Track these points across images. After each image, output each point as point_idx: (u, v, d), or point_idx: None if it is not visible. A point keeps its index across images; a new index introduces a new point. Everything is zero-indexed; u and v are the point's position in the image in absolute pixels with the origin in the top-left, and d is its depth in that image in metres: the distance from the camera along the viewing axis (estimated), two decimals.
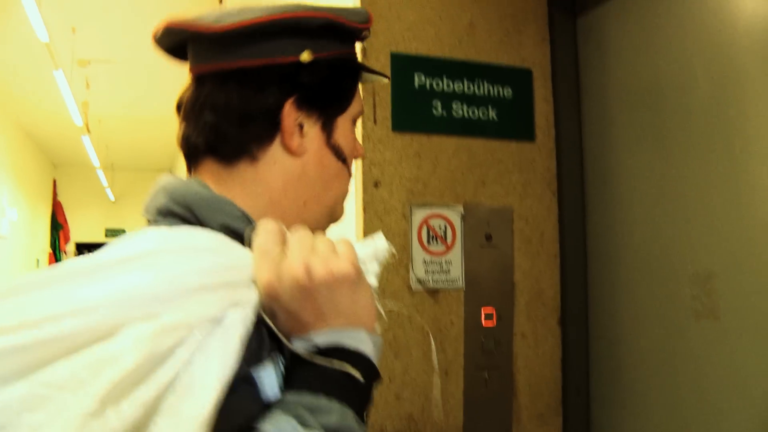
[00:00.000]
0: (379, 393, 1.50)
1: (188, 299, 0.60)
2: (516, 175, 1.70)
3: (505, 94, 1.72)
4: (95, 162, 10.16)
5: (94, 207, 13.52)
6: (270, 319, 0.66)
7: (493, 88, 1.71)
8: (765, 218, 1.30)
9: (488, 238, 1.65)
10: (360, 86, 0.90)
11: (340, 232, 1.70)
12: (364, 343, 0.68)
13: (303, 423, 0.60)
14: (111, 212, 13.32)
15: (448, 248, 1.61)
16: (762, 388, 1.30)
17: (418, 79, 1.63)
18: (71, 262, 0.61)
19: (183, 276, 0.61)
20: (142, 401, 0.53)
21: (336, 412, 0.61)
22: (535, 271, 1.70)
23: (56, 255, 12.48)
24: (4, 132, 9.67)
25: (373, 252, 0.72)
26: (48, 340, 0.54)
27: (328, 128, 0.83)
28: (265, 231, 0.67)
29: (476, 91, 1.69)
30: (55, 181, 13.27)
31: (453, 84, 1.67)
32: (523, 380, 1.65)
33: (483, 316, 1.62)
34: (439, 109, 1.64)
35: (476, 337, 1.60)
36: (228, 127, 0.79)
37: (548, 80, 1.78)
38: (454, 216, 1.62)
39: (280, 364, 0.67)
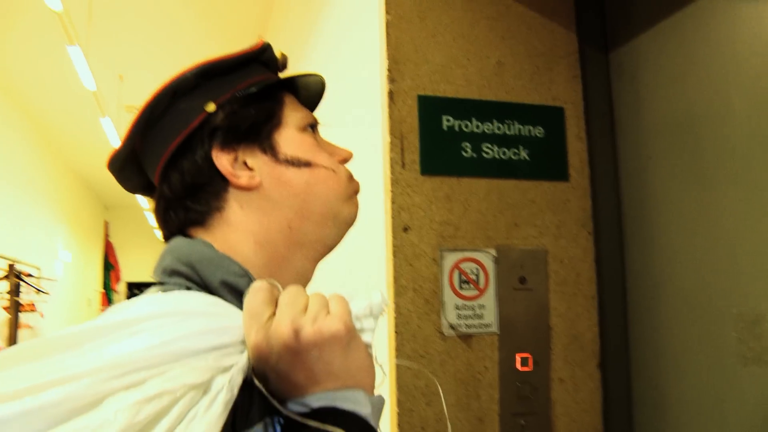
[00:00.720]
0: None
1: (175, 366, 0.60)
2: (549, 216, 1.67)
3: (537, 133, 1.70)
4: (144, 204, 10.39)
5: (144, 247, 13.82)
6: (262, 381, 0.65)
7: (524, 128, 1.69)
8: None
9: (522, 280, 1.61)
10: (290, 99, 0.91)
11: (371, 279, 1.69)
12: (360, 404, 0.66)
13: None
14: (159, 252, 13.57)
15: (481, 292, 1.58)
16: None
17: (447, 122, 1.62)
18: (62, 331, 0.61)
19: (171, 342, 0.61)
20: None
21: None
22: (572, 314, 1.65)
23: (108, 295, 12.76)
24: (59, 177, 9.99)
25: (368, 308, 0.70)
26: (29, 411, 0.54)
27: (268, 148, 0.84)
28: (254, 291, 0.67)
29: (507, 131, 1.67)
30: (106, 223, 13.63)
31: (482, 125, 1.65)
32: (562, 427, 1.59)
33: (518, 361, 1.57)
34: (469, 150, 1.63)
35: (512, 383, 1.56)
36: (186, 204, 0.82)
37: (581, 118, 1.75)
38: (487, 259, 1.59)
39: (277, 427, 0.66)
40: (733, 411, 1.40)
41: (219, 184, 0.82)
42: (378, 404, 0.70)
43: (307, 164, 0.85)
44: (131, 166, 0.89)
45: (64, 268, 10.00)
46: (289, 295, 0.67)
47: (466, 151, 1.62)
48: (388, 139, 1.57)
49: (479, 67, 1.68)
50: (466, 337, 1.55)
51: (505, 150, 1.66)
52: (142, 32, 5.68)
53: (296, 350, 0.64)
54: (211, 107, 0.82)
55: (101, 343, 0.61)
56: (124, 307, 0.67)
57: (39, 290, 5.71)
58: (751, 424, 1.36)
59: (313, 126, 0.91)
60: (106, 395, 0.57)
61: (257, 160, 0.84)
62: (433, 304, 1.54)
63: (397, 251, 1.53)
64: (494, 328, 1.57)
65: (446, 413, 1.35)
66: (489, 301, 1.58)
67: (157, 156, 0.84)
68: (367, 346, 0.70)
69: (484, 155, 1.64)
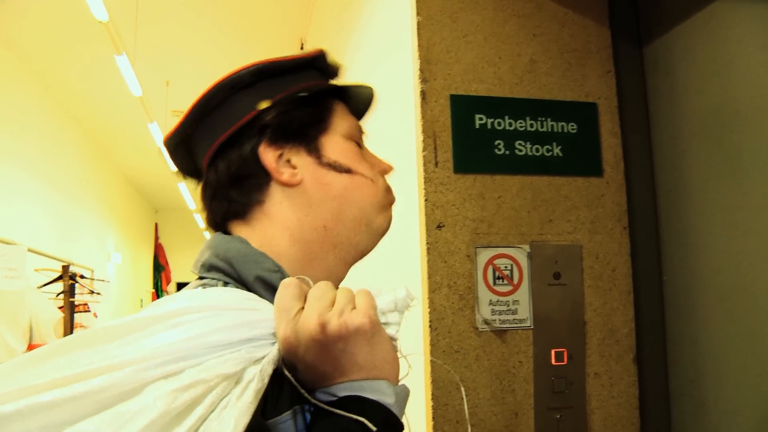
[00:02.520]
0: None
1: (210, 357, 0.64)
2: (584, 212, 1.68)
3: (570, 129, 1.70)
4: (191, 205, 10.58)
5: (193, 248, 13.91)
6: (291, 372, 0.69)
7: (557, 124, 1.70)
8: None
9: (556, 276, 1.62)
10: (340, 107, 0.95)
11: (406, 276, 1.72)
12: (384, 393, 0.69)
13: None
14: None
15: (515, 288, 1.60)
16: None
17: (479, 120, 1.64)
18: (107, 323, 0.66)
19: (206, 335, 0.65)
20: None
21: None
22: (608, 309, 1.66)
23: (159, 295, 13.03)
24: (110, 181, 10.26)
25: (393, 303, 0.73)
26: (77, 397, 0.59)
27: (313, 151, 0.88)
28: (284, 287, 0.71)
29: (539, 128, 1.68)
30: (156, 225, 13.91)
31: (515, 123, 1.67)
32: (598, 421, 1.60)
33: (553, 356, 1.59)
34: (502, 148, 1.64)
35: (546, 377, 1.57)
36: (229, 193, 0.87)
37: (615, 113, 1.75)
38: (520, 255, 1.61)
39: (305, 414, 0.70)
40: None
41: (262, 177, 0.87)
42: (402, 394, 0.73)
43: (348, 171, 0.89)
44: (182, 149, 0.94)
45: (115, 270, 10.27)
46: (317, 291, 0.71)
47: (498, 149, 1.64)
48: (421, 138, 1.60)
49: (511, 65, 1.69)
50: (500, 333, 1.57)
51: (539, 147, 1.67)
52: (187, 39, 5.81)
53: (323, 343, 0.67)
54: (263, 105, 0.87)
55: (143, 334, 0.66)
56: (165, 302, 0.71)
57: (92, 291, 5.87)
58: None
59: (358, 136, 0.96)
60: (147, 383, 0.61)
61: (301, 160, 0.88)
62: (468, 300, 1.56)
63: (431, 248, 1.56)
64: (528, 323, 1.59)
65: (467, 414, 1.36)
66: (523, 296, 1.60)
67: (208, 144, 0.89)
68: (392, 339, 0.73)
69: (517, 152, 1.65)
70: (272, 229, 0.86)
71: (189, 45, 5.92)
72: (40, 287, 5.22)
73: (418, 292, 1.62)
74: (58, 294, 5.34)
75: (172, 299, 0.72)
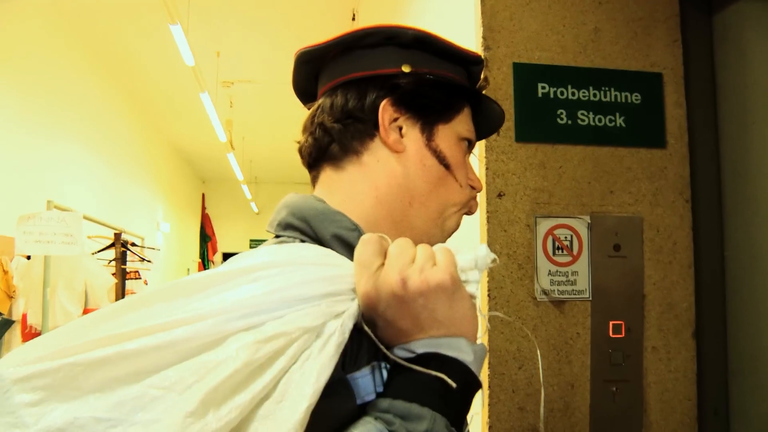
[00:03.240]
0: (502, 404, 1.50)
1: (290, 310, 0.65)
2: (646, 184, 1.65)
3: (634, 99, 1.67)
4: (239, 176, 10.70)
5: (240, 219, 14.25)
6: (370, 327, 0.70)
7: (621, 95, 1.67)
8: None
9: (616, 248, 1.61)
10: (467, 112, 0.95)
11: (465, 243, 1.72)
12: (462, 351, 0.69)
13: (392, 430, 0.62)
14: (255, 224, 13.99)
15: (575, 259, 1.58)
16: None
17: (542, 89, 1.62)
18: (190, 276, 0.67)
19: (286, 289, 0.66)
20: (240, 405, 0.58)
21: (427, 419, 0.63)
22: (667, 282, 1.63)
23: (205, 265, 13.23)
24: (159, 151, 10.42)
25: (473, 261, 0.72)
26: (161, 346, 0.60)
27: (427, 131, 0.88)
28: (364, 243, 0.71)
29: (602, 98, 1.65)
30: (203, 196, 14.11)
31: (578, 92, 1.64)
32: (654, 395, 1.58)
33: (611, 328, 1.57)
34: (564, 117, 1.62)
35: (604, 350, 1.56)
36: (333, 125, 0.87)
37: (680, 84, 1.71)
38: (581, 226, 1.59)
39: (383, 370, 0.70)
40: None
41: (370, 129, 0.87)
42: (480, 352, 0.72)
43: (447, 166, 0.89)
44: (311, 67, 0.95)
45: (163, 239, 10.46)
46: (397, 247, 0.71)
47: (561, 118, 1.62)
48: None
49: (575, 33, 1.66)
50: (558, 303, 1.56)
51: (601, 117, 1.64)
52: (238, 11, 5.83)
53: (403, 298, 0.67)
54: (407, 68, 0.87)
55: (224, 287, 0.67)
56: (244, 256, 0.72)
57: (143, 258, 6.00)
58: None
59: (470, 144, 0.96)
60: (229, 335, 0.63)
61: (412, 132, 0.88)
62: (527, 270, 1.56)
63: (491, 217, 1.55)
64: (587, 295, 1.58)
65: (542, 378, 1.36)
66: (582, 267, 1.58)
67: (339, 73, 0.90)
68: (472, 297, 0.73)
69: (580, 122, 1.63)
70: (362, 184, 0.86)
71: (239, 16, 5.95)
72: (95, 253, 5.35)
73: None
74: (111, 261, 5.47)
75: (251, 254, 0.72)
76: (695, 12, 1.76)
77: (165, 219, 10.63)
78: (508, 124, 1.58)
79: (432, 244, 0.89)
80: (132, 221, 8.20)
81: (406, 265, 0.69)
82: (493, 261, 0.74)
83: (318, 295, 0.68)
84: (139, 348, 0.60)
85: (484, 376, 1.53)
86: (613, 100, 1.66)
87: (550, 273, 1.56)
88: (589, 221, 1.60)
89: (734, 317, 1.66)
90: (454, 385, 0.66)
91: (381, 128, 0.86)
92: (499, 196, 1.56)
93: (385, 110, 0.86)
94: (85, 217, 4.57)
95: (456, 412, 0.66)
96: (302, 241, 0.80)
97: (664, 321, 1.62)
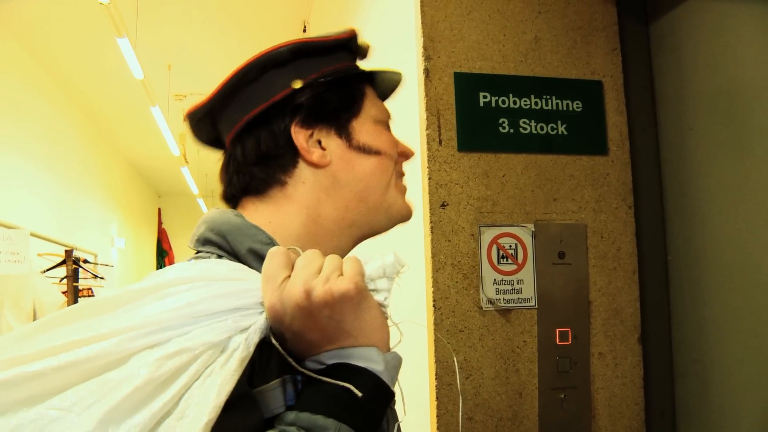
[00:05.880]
0: (450, 414, 1.49)
1: (197, 326, 0.64)
2: (589, 191, 1.66)
3: (575, 107, 1.69)
4: (195, 190, 10.58)
5: None
6: (279, 340, 0.69)
7: (562, 103, 1.68)
8: None
9: (561, 255, 1.61)
10: (369, 91, 0.95)
11: (409, 254, 1.71)
12: (372, 360, 0.69)
13: None
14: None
15: (520, 267, 1.59)
16: None
17: (483, 98, 1.62)
18: (101, 295, 0.66)
19: (194, 305, 0.65)
20: (140, 423, 0.58)
21: (331, 430, 0.63)
22: (612, 288, 1.65)
23: None
24: (113, 165, 10.26)
25: (381, 269, 0.72)
26: (64, 366, 0.60)
27: (344, 133, 0.88)
28: (271, 256, 0.70)
29: (544, 106, 1.67)
30: (159, 210, 13.92)
31: (520, 101, 1.65)
32: (602, 401, 1.59)
33: (558, 336, 1.58)
34: (506, 126, 1.63)
35: (551, 357, 1.57)
36: (251, 169, 0.86)
37: (620, 91, 1.74)
38: (525, 234, 1.60)
39: (297, 384, 0.70)
40: None
41: (289, 157, 0.87)
42: (393, 361, 0.72)
43: (377, 152, 0.90)
44: (208, 122, 0.94)
45: (118, 255, 10.28)
46: (304, 259, 0.70)
47: (503, 127, 1.63)
48: (424, 116, 1.58)
49: (515, 42, 1.67)
50: (504, 312, 1.56)
51: (543, 125, 1.65)
52: (188, 23, 5.77)
53: (308, 310, 0.67)
54: (297, 84, 0.87)
55: (133, 306, 0.66)
56: (157, 274, 0.72)
57: (95, 275, 5.88)
58: None
59: (387, 119, 0.96)
60: (133, 353, 0.62)
61: (331, 141, 0.88)
62: (472, 279, 1.55)
63: (435, 227, 1.55)
64: (533, 303, 1.58)
65: (459, 387, 1.35)
66: (527, 275, 1.59)
67: (236, 119, 0.89)
68: (381, 306, 0.72)
69: (522, 131, 1.64)
70: (289, 206, 0.86)
71: (190, 29, 5.89)
72: (44, 272, 5.23)
73: (421, 272, 1.61)
74: (62, 279, 5.35)
75: (164, 272, 0.72)
76: (632, 21, 1.79)
77: (120, 234, 10.46)
78: (450, 134, 1.58)
79: (378, 232, 0.90)
80: (85, 237, 8.04)
81: (311, 276, 0.68)
82: (403, 268, 0.73)
83: (225, 310, 0.67)
84: (40, 369, 0.60)
85: (432, 386, 1.52)
86: (554, 108, 1.67)
87: (495, 282, 1.56)
88: (534, 229, 1.60)
89: (678, 321, 1.68)
90: (359, 394, 0.65)
91: (301, 151, 0.86)
92: (443, 206, 1.55)
93: (298, 133, 0.86)
94: (33, 234, 4.46)
95: (365, 422, 0.66)
96: (219, 256, 0.80)
97: (610, 327, 1.64)
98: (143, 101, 6.33)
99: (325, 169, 0.86)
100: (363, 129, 0.90)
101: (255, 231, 0.80)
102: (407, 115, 1.77)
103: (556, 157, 1.65)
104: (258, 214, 0.86)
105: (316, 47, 0.90)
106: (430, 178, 1.56)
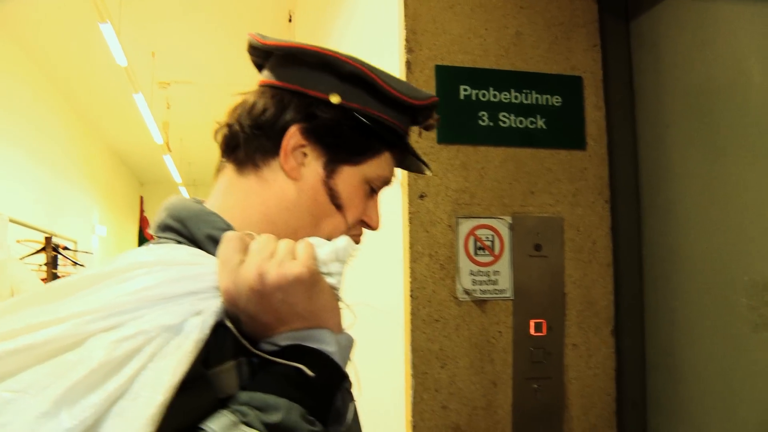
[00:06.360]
0: (425, 403, 1.51)
1: (153, 310, 0.66)
2: (566, 184, 1.69)
3: (554, 102, 1.71)
4: (178, 179, 10.53)
5: None
6: (234, 323, 0.71)
7: (542, 97, 1.70)
8: None
9: (537, 248, 1.64)
10: (387, 156, 0.92)
11: (388, 245, 1.73)
12: (325, 342, 0.71)
13: (245, 421, 0.63)
14: None
15: (496, 259, 1.61)
16: None
17: (464, 91, 1.64)
18: (61, 280, 0.68)
19: (151, 289, 0.67)
20: (95, 404, 0.58)
21: (282, 409, 0.64)
22: (587, 281, 1.67)
23: None
24: (95, 153, 10.19)
25: (333, 253, 0.74)
26: (19, 350, 0.61)
27: (329, 169, 0.87)
28: (226, 240, 0.72)
29: (524, 100, 1.68)
30: (142, 198, 13.84)
31: (500, 94, 1.67)
32: (575, 391, 1.62)
33: (532, 327, 1.60)
34: (486, 119, 1.65)
35: (525, 348, 1.59)
36: (244, 130, 0.86)
37: (599, 87, 1.76)
38: (502, 226, 1.62)
39: (251, 366, 0.71)
40: (743, 376, 1.42)
41: (272, 146, 0.86)
42: (345, 342, 0.74)
43: (339, 207, 0.88)
44: (257, 54, 0.94)
45: (99, 242, 10.22)
46: (258, 243, 0.72)
47: (483, 120, 1.64)
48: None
49: (497, 36, 1.69)
50: (480, 303, 1.59)
51: (522, 119, 1.67)
52: (174, 11, 5.73)
53: (261, 293, 0.69)
54: (336, 98, 0.85)
55: (92, 290, 0.67)
56: (117, 259, 0.73)
57: (75, 263, 5.85)
58: (760, 388, 1.38)
59: (379, 185, 0.94)
60: (89, 336, 0.63)
61: (315, 165, 0.86)
62: (449, 270, 1.57)
63: (413, 218, 1.56)
64: (509, 294, 1.60)
65: (412, 385, 1.36)
66: (504, 267, 1.61)
67: (276, 77, 0.89)
68: (334, 289, 0.74)
69: (501, 124, 1.66)
70: (254, 197, 0.86)
71: (175, 16, 5.85)
72: (23, 258, 5.19)
73: (399, 262, 1.63)
74: (41, 265, 5.32)
75: (123, 256, 0.73)
76: (613, 18, 1.81)
77: (101, 222, 10.39)
78: None
79: None
80: (66, 224, 7.98)
81: (265, 259, 0.70)
82: (356, 252, 0.76)
83: (182, 294, 0.69)
84: None
85: (407, 375, 1.54)
86: (534, 102, 1.69)
87: (471, 273, 1.58)
88: (511, 221, 1.62)
89: (651, 314, 1.71)
90: (311, 374, 0.67)
91: (282, 152, 0.85)
92: (421, 197, 1.57)
93: (293, 136, 0.84)
94: (12, 221, 4.43)
95: (317, 401, 0.68)
96: (178, 242, 0.81)
97: (584, 319, 1.66)
98: (126, 88, 6.29)
99: (293, 182, 0.86)
100: (347, 178, 0.88)
101: (213, 217, 0.81)
102: None
103: (534, 151, 1.67)
104: (229, 191, 0.88)
105: (376, 89, 0.87)
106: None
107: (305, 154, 0.86)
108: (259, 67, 0.96)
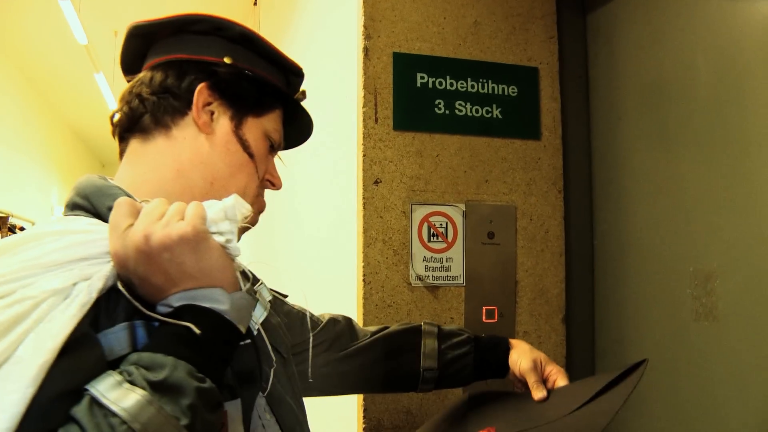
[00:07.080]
0: None
1: (42, 276, 0.66)
2: (520, 174, 1.71)
3: (511, 92, 1.73)
4: None
5: None
6: (127, 287, 0.71)
7: (498, 87, 1.72)
8: (766, 218, 1.29)
9: (490, 235, 1.66)
10: (278, 114, 1.01)
11: (342, 229, 1.73)
12: (217, 301, 0.71)
13: (130, 380, 0.63)
14: None
15: (449, 245, 1.62)
16: (760, 389, 1.29)
17: (421, 79, 1.65)
18: None
19: (42, 257, 0.68)
20: None
21: (168, 366, 0.65)
22: (539, 269, 1.70)
23: None
24: (55, 132, 9.98)
25: (222, 212, 0.75)
26: None
27: (236, 119, 0.94)
28: (117, 206, 0.73)
29: (480, 89, 1.70)
30: None
31: (456, 83, 1.68)
32: None
33: (484, 313, 1.63)
34: (442, 107, 1.66)
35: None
36: (149, 96, 0.91)
37: (555, 78, 1.78)
38: (456, 213, 1.63)
39: (149, 329, 0.72)
40: (686, 363, 1.46)
41: (183, 108, 0.91)
42: (240, 301, 0.74)
43: (251, 155, 0.94)
44: (140, 42, 0.98)
45: None
46: (149, 206, 0.73)
47: (439, 108, 1.66)
48: (362, 94, 1.60)
49: (455, 25, 1.70)
50: (433, 289, 1.60)
51: (479, 108, 1.69)
52: None
53: (148, 254, 0.69)
54: (228, 60, 0.93)
55: None
56: (20, 233, 0.74)
57: None
58: (700, 374, 1.42)
59: (273, 147, 1.00)
60: None
61: (223, 119, 0.93)
62: (402, 256, 1.59)
63: (368, 203, 1.57)
64: (461, 281, 1.62)
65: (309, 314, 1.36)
66: (457, 254, 1.63)
67: (165, 52, 0.94)
68: (224, 248, 0.74)
69: (457, 112, 1.67)
70: (166, 158, 0.89)
71: None
72: None
73: (353, 247, 1.64)
74: None
75: (28, 230, 0.75)
76: (570, 11, 1.83)
77: (60, 202, 10.21)
78: (387, 113, 1.60)
79: None
80: (23, 204, 7.82)
81: (152, 222, 0.71)
82: (246, 211, 0.76)
83: (73, 260, 0.69)
84: None
85: None
86: (490, 92, 1.71)
87: (425, 259, 1.60)
88: (464, 209, 1.64)
89: (601, 303, 1.75)
90: (198, 332, 0.68)
91: (194, 108, 0.90)
92: (376, 183, 1.58)
93: (201, 93, 0.90)
94: None
95: (205, 358, 0.68)
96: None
97: (535, 306, 1.69)
98: (87, 67, 6.17)
99: (206, 136, 0.91)
100: (253, 129, 0.95)
101: (116, 191, 0.83)
102: (345, 92, 1.79)
103: (489, 140, 1.69)
104: (138, 161, 0.90)
105: (261, 48, 0.97)
106: (364, 155, 1.58)
107: (213, 111, 0.92)
108: (143, 57, 0.99)
